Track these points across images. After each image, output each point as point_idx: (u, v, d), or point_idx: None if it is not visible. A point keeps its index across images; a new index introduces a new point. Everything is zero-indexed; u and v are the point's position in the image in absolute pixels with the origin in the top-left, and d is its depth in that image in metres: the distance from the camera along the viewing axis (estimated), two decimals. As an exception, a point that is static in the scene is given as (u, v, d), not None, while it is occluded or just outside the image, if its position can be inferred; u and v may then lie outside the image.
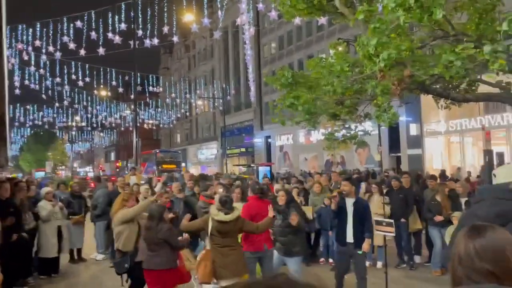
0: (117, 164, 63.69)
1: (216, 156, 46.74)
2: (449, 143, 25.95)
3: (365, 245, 5.82)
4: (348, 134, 7.62)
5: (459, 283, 1.41)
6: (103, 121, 49.37)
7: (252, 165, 32.89)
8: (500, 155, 6.21)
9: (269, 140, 39.64)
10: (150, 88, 38.33)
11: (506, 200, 2.74)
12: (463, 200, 8.22)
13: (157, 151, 35.16)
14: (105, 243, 9.72)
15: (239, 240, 5.59)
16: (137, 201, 6.69)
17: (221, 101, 40.09)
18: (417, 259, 8.89)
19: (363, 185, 8.95)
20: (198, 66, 52.56)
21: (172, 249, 5.11)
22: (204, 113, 50.98)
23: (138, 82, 27.88)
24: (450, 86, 6.72)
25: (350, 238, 5.90)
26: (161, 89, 44.01)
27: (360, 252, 5.83)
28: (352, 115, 7.13)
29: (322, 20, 13.62)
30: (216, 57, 48.32)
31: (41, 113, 46.77)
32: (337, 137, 7.86)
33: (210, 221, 5.14)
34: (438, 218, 7.93)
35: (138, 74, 27.18)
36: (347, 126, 7.67)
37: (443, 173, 19.62)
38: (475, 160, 24.15)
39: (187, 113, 53.75)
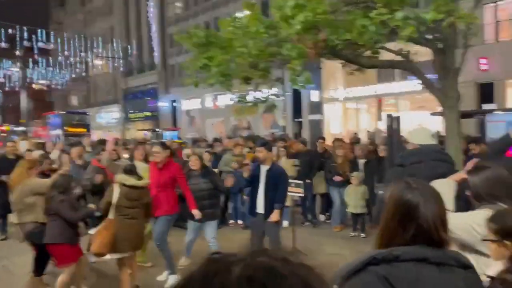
0: (3, 128, 57.17)
1: (118, 121, 44.34)
2: (345, 109, 27.78)
3: (273, 216, 5.46)
4: (262, 98, 7.64)
5: (389, 240, 1.43)
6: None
7: (157, 130, 31.82)
8: (397, 119, 6.80)
9: (175, 104, 38.60)
10: (40, 44, 34.45)
11: (442, 162, 2.94)
12: (361, 162, 8.86)
13: (62, 113, 32.16)
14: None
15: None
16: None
17: (121, 61, 37.64)
18: (321, 217, 9.49)
19: (274, 149, 9.17)
20: (95, 22, 48.40)
21: (67, 223, 4.79)
22: (104, 74, 47.54)
23: (25, 37, 24.82)
24: (356, 52, 7.02)
25: (260, 208, 5.54)
26: (52, 46, 39.82)
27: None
28: (265, 78, 7.12)
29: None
30: (115, 14, 44.89)
31: None
32: (248, 101, 7.84)
33: (116, 189, 4.91)
34: (337, 178, 8.47)
35: (25, 28, 24.14)
36: (258, 89, 7.67)
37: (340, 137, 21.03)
38: (369, 125, 26.27)
39: (84, 74, 49.70)
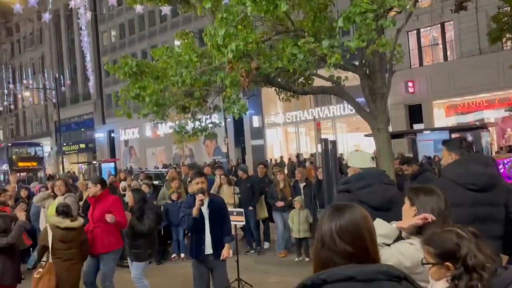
0: None
1: (49, 154, 41.94)
2: (286, 133, 28.40)
3: (225, 252, 4.89)
4: (199, 127, 7.54)
5: (324, 267, 1.39)
6: None
7: (94, 162, 30.44)
8: (333, 143, 6.97)
9: (113, 134, 37.32)
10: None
11: (390, 185, 2.94)
12: (301, 185, 8.95)
13: (9, 144, 28.25)
14: None
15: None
16: None
17: (54, 92, 35.95)
18: (266, 245, 9.39)
19: (217, 178, 9.03)
20: (24, 52, 46.13)
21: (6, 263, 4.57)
22: (34, 106, 45.15)
23: None
24: (290, 80, 7.18)
25: (209, 249, 4.87)
26: (-24, 77, 37.33)
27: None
28: (201, 107, 7.05)
29: (166, 9, 13.24)
30: (46, 43, 43.11)
31: None
32: (187, 130, 7.70)
33: (50, 231, 4.72)
34: (279, 203, 8.48)
35: None
36: (197, 118, 7.57)
37: (281, 161, 21.34)
38: (308, 147, 26.98)
39: (12, 106, 46.87)
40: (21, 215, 4.90)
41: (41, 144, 30.67)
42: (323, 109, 24.71)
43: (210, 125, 8.09)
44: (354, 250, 1.42)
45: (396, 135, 14.20)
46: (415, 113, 20.98)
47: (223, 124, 19.60)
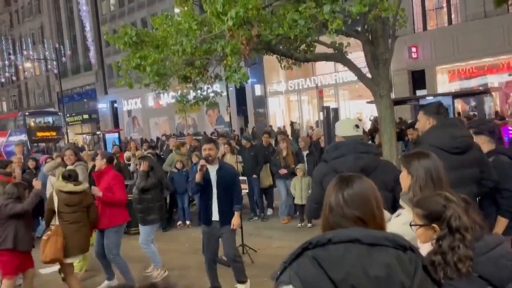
0: None
1: (54, 125, 42.08)
2: (289, 102, 28.25)
3: (234, 220, 4.92)
4: (201, 96, 7.54)
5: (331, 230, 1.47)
6: None
7: (97, 132, 30.53)
8: (335, 111, 6.94)
9: (115, 105, 37.26)
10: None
11: (366, 154, 2.98)
12: (304, 153, 9.03)
13: (26, 113, 25.95)
14: None
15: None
16: None
17: (55, 63, 35.67)
18: (269, 211, 9.58)
19: (220, 147, 9.13)
20: (23, 22, 45.46)
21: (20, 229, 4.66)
22: (35, 77, 44.94)
23: None
24: (291, 47, 7.10)
25: (216, 215, 4.92)
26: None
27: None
28: (202, 76, 7.02)
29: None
30: (45, 13, 42.38)
31: None
32: (189, 100, 7.71)
33: (56, 196, 4.89)
34: (282, 171, 8.58)
35: None
36: (198, 87, 7.56)
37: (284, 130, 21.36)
38: (310, 116, 26.90)
39: (13, 78, 46.66)
40: (37, 184, 5.00)
41: (59, 113, 28.86)
42: (325, 77, 24.45)
43: (211, 94, 8.09)
44: (362, 215, 1.49)
45: (398, 102, 14.12)
46: (418, 79, 20.74)
47: (225, 93, 19.50)
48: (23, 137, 22.93)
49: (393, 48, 6.90)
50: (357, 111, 24.64)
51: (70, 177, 4.93)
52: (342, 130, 3.18)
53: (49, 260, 4.81)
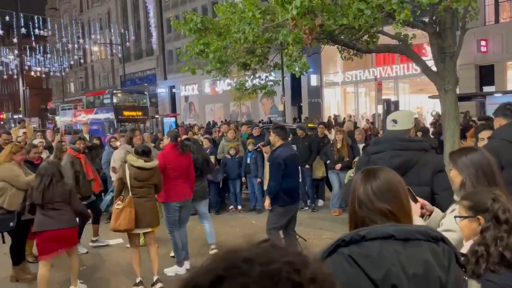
0: (1, 116, 57.10)
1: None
2: (345, 93, 27.72)
3: (265, 203, 5.45)
4: (259, 84, 7.62)
5: (360, 226, 1.45)
6: (-20, 68, 43.17)
7: (156, 116, 31.71)
8: (395, 104, 6.74)
9: (174, 90, 38.44)
10: (36, 31, 34.06)
11: (404, 151, 2.91)
12: (360, 146, 8.88)
13: (114, 90, 24.17)
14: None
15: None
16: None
17: (119, 47, 37.32)
18: (320, 202, 9.55)
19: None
20: (91, 8, 47.85)
21: (70, 209, 4.85)
22: (101, 60, 47.31)
23: (22, 24, 24.44)
24: (353, 37, 6.98)
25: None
26: (49, 32, 39.44)
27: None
28: (262, 64, 7.08)
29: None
30: (112, -1, 44.36)
31: None
32: (247, 87, 7.82)
33: (127, 170, 5.05)
34: (338, 166, 8.50)
35: (21, 14, 23.84)
36: (257, 75, 7.64)
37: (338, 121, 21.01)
38: (367, 108, 26.25)
39: (81, 60, 49.39)
40: None
41: (145, 92, 27.01)
42: (385, 69, 23.70)
43: (269, 83, 8.15)
44: (391, 208, 1.46)
45: (464, 97, 13.43)
46: (486, 74, 19.54)
47: (280, 82, 19.42)
48: (110, 115, 21.61)
49: (461, 41, 6.58)
50: (417, 105, 23.73)
51: (143, 153, 5.07)
52: (387, 124, 3.15)
53: (123, 229, 4.99)
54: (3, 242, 5.59)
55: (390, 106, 6.23)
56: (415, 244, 1.31)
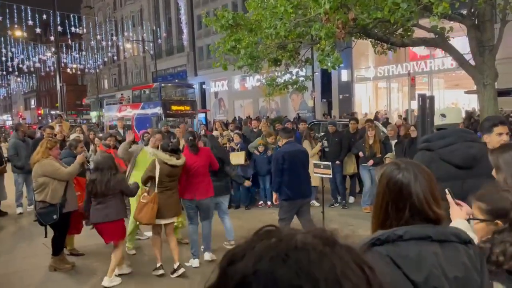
0: (39, 112, 59.22)
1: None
2: (376, 89, 27.20)
3: (273, 197, 5.95)
4: (290, 80, 7.59)
5: (388, 222, 1.43)
6: (20, 65, 44.93)
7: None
8: (431, 99, 6.54)
9: (204, 86, 38.83)
10: (72, 29, 35.11)
11: (474, 142, 2.88)
12: (393, 143, 8.70)
13: (162, 84, 22.55)
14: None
15: None
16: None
17: (151, 44, 37.99)
18: (351, 199, 9.44)
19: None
20: (124, 5, 48.91)
21: (121, 200, 5.22)
22: (134, 57, 48.33)
23: (59, 22, 25.23)
24: (387, 31, 6.83)
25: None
26: (84, 30, 40.59)
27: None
28: (294, 59, 7.05)
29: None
30: (144, -4, 45.17)
31: None
32: (278, 83, 7.80)
33: (158, 166, 5.27)
34: (370, 162, 8.36)
35: (58, 13, 24.62)
36: (288, 71, 7.61)
37: (375, 117, 20.66)
38: (399, 104, 25.68)
39: (115, 57, 50.59)
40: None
41: (194, 86, 25.13)
42: (418, 63, 23.07)
43: (301, 78, 8.10)
44: (427, 208, 1.41)
45: (503, 92, 12.90)
46: (527, 69, 18.70)
47: (311, 77, 19.16)
48: (157, 110, 20.02)
49: (501, 34, 6.32)
50: (452, 101, 23.01)
51: (173, 151, 5.30)
52: (450, 117, 3.10)
53: (144, 223, 5.38)
54: (45, 236, 5.86)
55: (426, 102, 6.05)
56: (452, 247, 1.29)
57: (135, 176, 6.06)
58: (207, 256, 5.84)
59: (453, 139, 2.90)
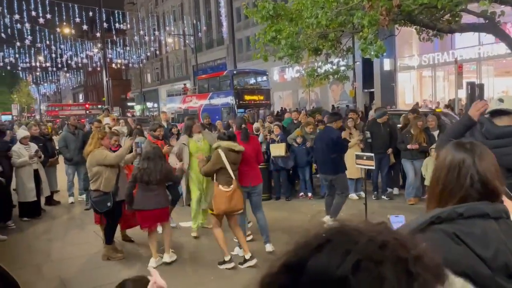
0: (87, 106, 61.75)
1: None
2: (421, 77, 26.27)
3: None
4: (331, 70, 7.49)
5: (444, 204, 1.42)
6: (69, 61, 46.98)
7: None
8: (480, 87, 6.24)
9: (243, 78, 38.96)
10: (116, 25, 36.26)
11: None
12: (435, 133, 8.40)
13: (234, 71, 20.59)
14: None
15: None
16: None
17: (192, 38, 38.53)
18: (395, 191, 9.23)
19: (349, 122, 9.03)
20: (166, 0, 49.86)
21: (165, 188, 5.50)
22: (175, 51, 49.24)
23: (104, 19, 26.12)
24: (433, 17, 6.58)
25: None
26: (128, 26, 41.76)
27: None
28: (335, 49, 6.95)
29: None
30: (184, -9, 45.82)
31: (1, 53, 44.03)
32: (319, 73, 7.71)
33: (223, 154, 5.21)
34: (412, 146, 8.08)
35: (103, 10, 25.48)
36: (329, 61, 7.51)
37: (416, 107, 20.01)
38: (445, 93, 24.69)
39: (157, 52, 51.78)
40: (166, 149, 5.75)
41: (267, 73, 22.36)
42: (466, 50, 22.01)
43: (342, 68, 7.97)
44: (489, 185, 1.41)
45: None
46: None
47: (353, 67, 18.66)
48: (229, 100, 18.31)
49: (560, 16, 5.94)
50: (503, 89, 21.86)
51: (230, 138, 5.38)
52: (492, 103, 2.99)
53: (237, 209, 5.29)
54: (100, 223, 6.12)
55: (475, 90, 5.79)
56: (505, 223, 1.32)
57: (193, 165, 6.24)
58: (269, 247, 5.77)
59: (507, 141, 2.82)
